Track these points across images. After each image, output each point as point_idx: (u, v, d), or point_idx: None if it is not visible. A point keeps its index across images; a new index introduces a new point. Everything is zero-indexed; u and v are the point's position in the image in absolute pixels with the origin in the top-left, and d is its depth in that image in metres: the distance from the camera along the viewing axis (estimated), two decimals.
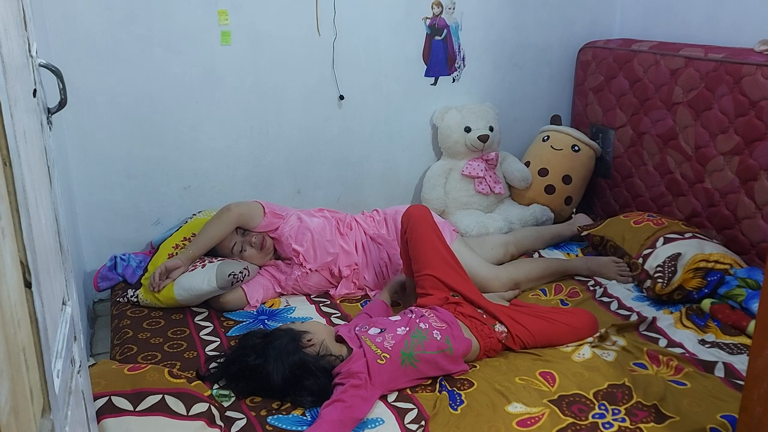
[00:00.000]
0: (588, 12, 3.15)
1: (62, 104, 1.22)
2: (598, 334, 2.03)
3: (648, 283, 2.28)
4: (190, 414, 1.57)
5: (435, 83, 3.01)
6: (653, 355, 1.91)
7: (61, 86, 1.20)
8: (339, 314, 2.29)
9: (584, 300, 2.33)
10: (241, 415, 1.70)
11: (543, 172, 3.01)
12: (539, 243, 2.76)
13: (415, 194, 3.12)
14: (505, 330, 1.97)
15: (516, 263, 2.54)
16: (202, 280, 2.22)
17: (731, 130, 2.39)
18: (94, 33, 2.45)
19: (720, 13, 2.62)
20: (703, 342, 2.00)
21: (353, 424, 1.63)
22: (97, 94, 2.51)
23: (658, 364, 1.89)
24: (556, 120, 3.18)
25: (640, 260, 2.36)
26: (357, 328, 1.90)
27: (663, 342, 2.02)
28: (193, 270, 2.27)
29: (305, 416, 1.70)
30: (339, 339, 1.88)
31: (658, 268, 2.27)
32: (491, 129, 2.94)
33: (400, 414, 1.69)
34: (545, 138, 3.08)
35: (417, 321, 1.90)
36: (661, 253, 2.31)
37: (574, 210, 3.09)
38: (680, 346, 1.99)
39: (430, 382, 1.83)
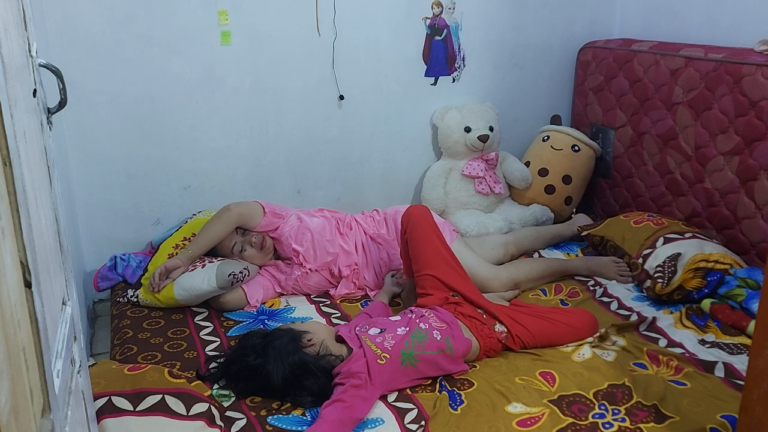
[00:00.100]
0: (588, 12, 3.15)
1: (62, 104, 1.22)
2: (598, 334, 2.03)
3: (648, 283, 2.28)
4: (190, 414, 1.57)
5: (435, 83, 3.01)
6: (653, 355, 1.91)
7: (61, 86, 1.20)
8: (339, 314, 2.29)
9: (584, 300, 2.33)
10: (241, 415, 1.70)
11: (543, 172, 3.01)
12: (539, 243, 2.76)
13: (415, 194, 3.12)
14: (505, 330, 1.97)
15: (516, 263, 2.54)
16: (202, 280, 2.22)
17: (731, 130, 2.39)
18: (94, 33, 2.45)
19: (720, 13, 2.62)
20: (703, 342, 2.00)
21: (353, 424, 1.63)
22: (97, 94, 2.51)
23: (658, 364, 1.89)
24: (556, 120, 3.18)
25: (640, 260, 2.36)
26: (357, 328, 1.90)
27: (663, 342, 2.02)
28: (193, 270, 2.27)
29: (305, 416, 1.70)
30: (339, 339, 1.88)
31: (658, 268, 2.27)
32: (491, 129, 2.94)
33: (400, 414, 1.69)
34: (545, 138, 3.08)
35: (417, 321, 1.90)
36: (661, 253, 2.31)
37: (574, 210, 3.09)
38: (680, 346, 1.99)
39: (430, 382, 1.83)
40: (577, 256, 2.68)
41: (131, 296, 2.34)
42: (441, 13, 2.91)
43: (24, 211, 0.73)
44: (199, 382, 1.74)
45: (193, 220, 2.61)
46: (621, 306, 2.26)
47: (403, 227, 2.20)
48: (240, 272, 2.24)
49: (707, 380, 1.80)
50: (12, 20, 0.89)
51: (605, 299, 2.32)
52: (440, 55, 2.97)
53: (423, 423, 1.65)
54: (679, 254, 2.27)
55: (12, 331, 0.63)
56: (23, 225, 0.72)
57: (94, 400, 1.47)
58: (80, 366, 1.13)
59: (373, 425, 1.65)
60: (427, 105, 3.02)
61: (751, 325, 1.98)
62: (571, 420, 1.66)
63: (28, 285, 0.72)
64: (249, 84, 2.70)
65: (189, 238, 2.45)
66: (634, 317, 2.17)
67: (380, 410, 1.70)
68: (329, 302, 2.38)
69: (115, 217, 2.66)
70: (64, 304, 1.06)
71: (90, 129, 2.54)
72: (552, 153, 3.02)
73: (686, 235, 2.36)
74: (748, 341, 1.97)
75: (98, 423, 1.46)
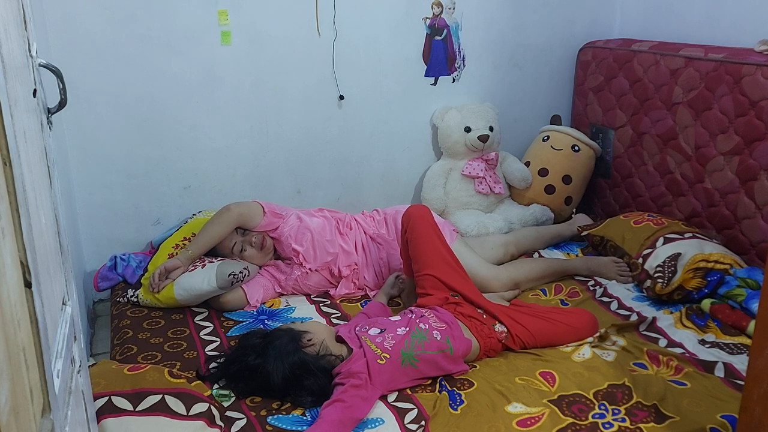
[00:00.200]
0: (588, 12, 3.15)
1: (62, 104, 1.22)
2: (598, 334, 2.03)
3: (648, 283, 2.28)
4: (190, 414, 1.57)
5: (435, 83, 3.01)
6: (653, 355, 1.91)
7: (61, 86, 1.20)
8: (339, 314, 2.29)
9: (584, 300, 2.33)
10: (241, 415, 1.70)
11: (543, 172, 3.01)
12: (539, 243, 2.76)
13: (415, 194, 3.12)
14: (505, 330, 1.97)
15: (516, 263, 2.54)
16: (202, 280, 2.22)
17: (731, 130, 2.39)
18: (94, 33, 2.45)
19: (720, 13, 2.62)
20: (703, 342, 2.00)
21: (353, 424, 1.63)
22: (97, 94, 2.51)
23: (658, 364, 1.89)
24: (556, 120, 3.18)
25: (640, 260, 2.36)
26: (357, 328, 1.90)
27: (663, 342, 2.02)
28: (193, 270, 2.27)
29: (305, 416, 1.70)
30: (339, 339, 1.88)
31: (658, 268, 2.27)
32: (491, 129, 2.94)
33: (400, 414, 1.69)
34: (545, 138, 3.08)
35: (417, 321, 1.90)
36: (661, 253, 2.31)
37: (574, 210, 3.09)
38: (680, 346, 1.99)
39: (430, 382, 1.83)
40: (577, 256, 2.68)
41: (131, 296, 2.34)
42: (441, 13, 2.91)
43: (24, 211, 0.73)
44: (199, 382, 1.74)
45: (193, 220, 2.61)
46: (621, 306, 2.26)
47: (403, 227, 2.20)
48: (240, 272, 2.24)
49: (707, 380, 1.80)
50: (12, 20, 0.89)
51: (605, 299, 2.32)
52: (440, 55, 2.97)
53: (423, 423, 1.65)
54: (679, 254, 2.27)
55: (12, 331, 0.63)
56: (23, 225, 0.72)
57: (94, 400, 1.47)
58: (80, 366, 1.13)
59: (373, 425, 1.65)
60: (427, 105, 3.02)
61: (751, 325, 1.98)
62: (571, 420, 1.66)
63: (28, 285, 0.72)
64: (249, 84, 2.70)
65: (189, 238, 2.45)
66: (634, 317, 2.17)
67: (380, 410, 1.70)
68: (329, 302, 2.38)
69: (115, 217, 2.66)
70: (64, 304, 1.06)
71: (90, 129, 2.54)
72: (552, 153, 3.02)
73: (686, 235, 2.36)
74: (748, 341, 1.97)
75: (98, 423, 1.46)
